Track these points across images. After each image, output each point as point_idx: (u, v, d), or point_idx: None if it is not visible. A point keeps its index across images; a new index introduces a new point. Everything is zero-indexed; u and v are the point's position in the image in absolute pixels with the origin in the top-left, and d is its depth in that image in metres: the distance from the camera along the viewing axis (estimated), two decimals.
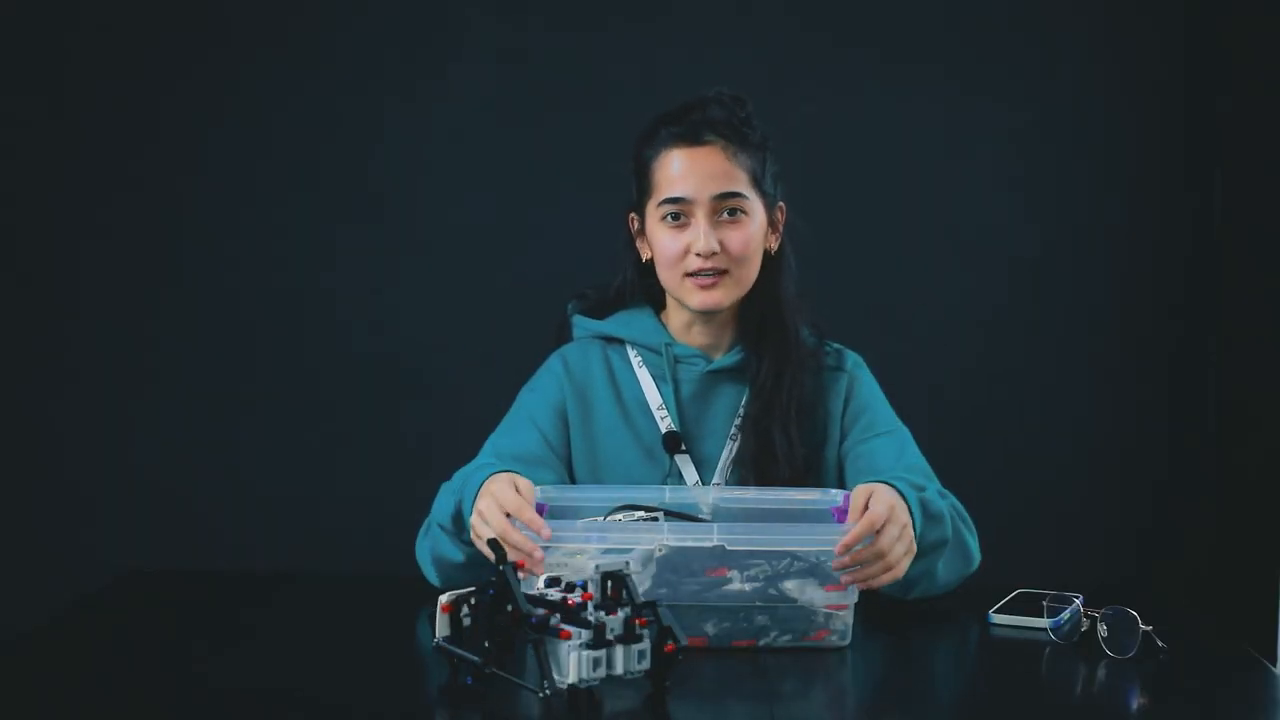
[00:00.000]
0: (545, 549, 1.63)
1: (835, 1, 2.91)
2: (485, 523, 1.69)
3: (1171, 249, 2.92)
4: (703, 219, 1.94)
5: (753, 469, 1.96)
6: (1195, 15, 2.88)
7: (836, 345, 2.09)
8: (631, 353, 2.06)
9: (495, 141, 2.91)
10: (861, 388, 2.06)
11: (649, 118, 2.02)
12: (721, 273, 1.96)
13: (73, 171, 2.92)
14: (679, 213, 1.96)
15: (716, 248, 1.94)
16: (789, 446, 1.96)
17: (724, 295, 1.97)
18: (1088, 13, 2.91)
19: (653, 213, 1.99)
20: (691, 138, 1.95)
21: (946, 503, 1.85)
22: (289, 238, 2.93)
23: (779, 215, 2.04)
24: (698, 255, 1.94)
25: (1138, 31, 2.91)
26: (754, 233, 1.97)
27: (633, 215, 2.05)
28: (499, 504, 1.69)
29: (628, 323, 2.07)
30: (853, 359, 2.08)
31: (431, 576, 1.90)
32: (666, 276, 2.00)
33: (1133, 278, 2.93)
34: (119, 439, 2.94)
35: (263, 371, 2.94)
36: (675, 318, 2.06)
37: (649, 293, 2.09)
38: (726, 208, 1.95)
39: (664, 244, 1.97)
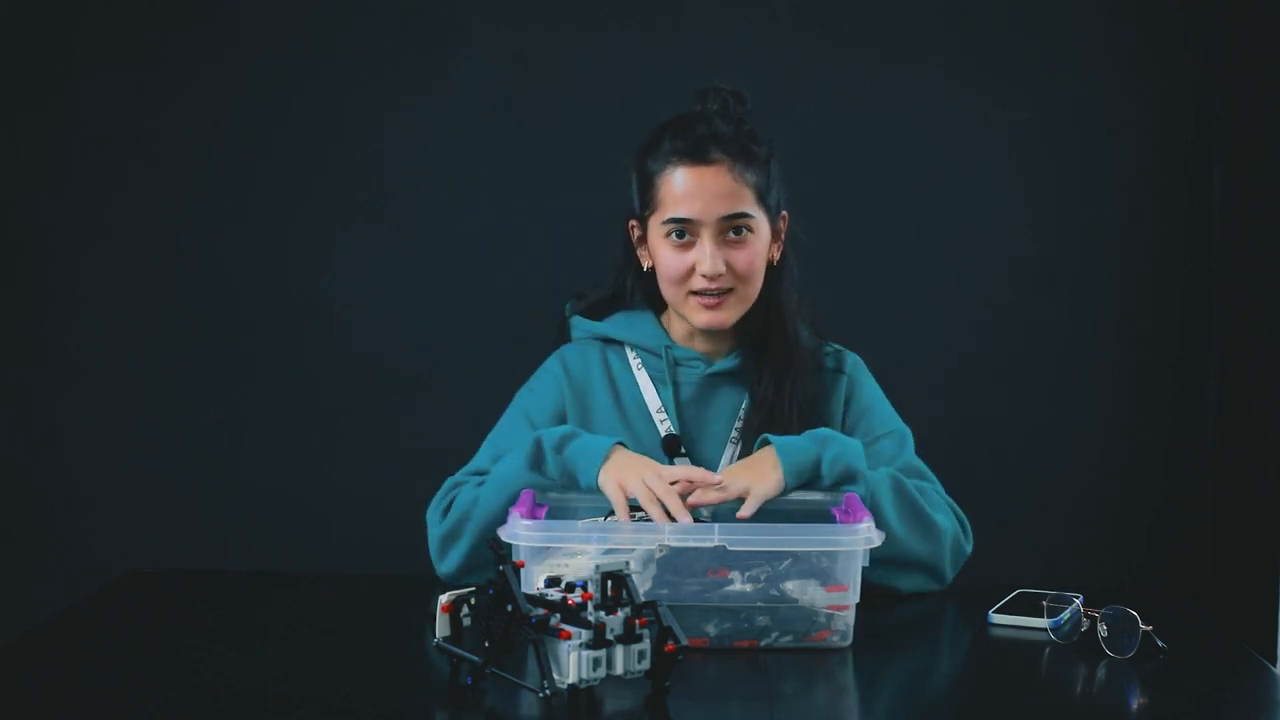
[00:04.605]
0: (545, 549, 1.63)
1: (835, 2, 2.91)
2: (650, 489, 1.74)
3: (1171, 249, 2.92)
4: (708, 240, 1.93)
5: None
6: (1195, 15, 2.88)
7: (836, 346, 2.09)
8: (631, 355, 2.06)
9: (495, 142, 2.91)
10: (862, 390, 2.06)
11: (649, 120, 2.01)
12: (726, 292, 1.96)
13: (73, 172, 2.92)
14: (684, 231, 1.95)
15: (723, 269, 1.94)
16: None
17: (729, 314, 1.97)
18: (1087, 12, 2.91)
19: (656, 227, 1.98)
20: (698, 155, 1.93)
21: (887, 470, 1.88)
22: (290, 238, 2.93)
23: (781, 224, 2.03)
24: (703, 276, 1.94)
25: (1138, 32, 2.90)
26: (759, 250, 1.97)
27: (633, 223, 2.05)
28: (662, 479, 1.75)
29: (628, 325, 2.07)
30: (852, 360, 2.08)
31: (449, 557, 1.91)
32: (670, 292, 1.99)
33: (1132, 278, 2.93)
34: (119, 439, 2.94)
35: (263, 371, 2.94)
36: (676, 322, 2.05)
37: (649, 296, 2.09)
38: (732, 227, 1.94)
39: (668, 262, 1.97)
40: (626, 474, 1.77)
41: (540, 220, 2.90)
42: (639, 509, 1.76)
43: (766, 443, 1.86)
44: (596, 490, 1.80)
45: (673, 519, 1.71)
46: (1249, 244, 2.87)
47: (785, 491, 1.81)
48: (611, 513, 1.78)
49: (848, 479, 1.83)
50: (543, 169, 2.89)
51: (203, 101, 2.91)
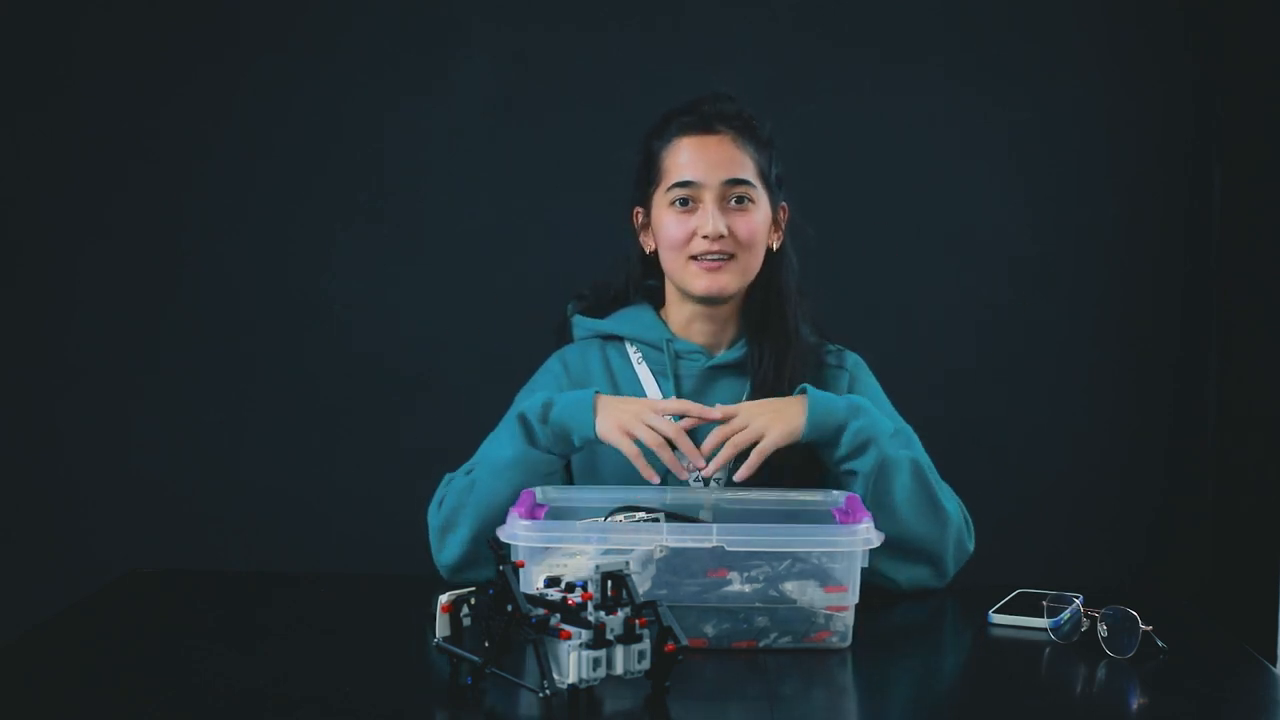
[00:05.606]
0: (545, 549, 1.63)
1: (835, 2, 2.91)
2: (658, 430, 1.81)
3: (1171, 249, 2.93)
4: (711, 203, 1.96)
5: None
6: (1195, 15, 2.88)
7: (837, 345, 2.10)
8: (631, 350, 2.06)
9: (495, 142, 2.91)
10: (863, 386, 2.06)
11: (649, 120, 2.04)
12: (728, 257, 1.97)
13: (73, 172, 2.92)
14: (687, 198, 1.98)
15: (724, 230, 1.96)
16: None
17: (729, 280, 1.98)
18: (1087, 12, 2.91)
19: (660, 200, 2.00)
20: (703, 126, 1.99)
21: (907, 453, 1.89)
22: (290, 238, 2.93)
23: (781, 214, 2.05)
24: (704, 238, 1.96)
25: (1138, 32, 2.91)
26: (760, 222, 1.99)
27: (638, 210, 2.06)
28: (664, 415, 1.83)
29: (628, 319, 2.08)
30: (853, 359, 2.09)
31: (448, 547, 1.90)
32: (671, 260, 2.01)
33: (1132, 278, 2.93)
34: (119, 439, 2.94)
35: (263, 371, 2.94)
36: (676, 315, 2.06)
37: (648, 292, 2.10)
38: (734, 194, 1.97)
39: (670, 229, 1.99)
40: (625, 417, 1.81)
41: (540, 220, 2.90)
42: (638, 509, 1.76)
43: (804, 391, 1.87)
44: (596, 443, 1.83)
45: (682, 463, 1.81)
46: (1249, 244, 2.87)
47: (799, 442, 1.84)
48: (612, 513, 1.78)
49: (861, 451, 1.84)
50: (543, 169, 2.89)
51: (203, 101, 2.91)
